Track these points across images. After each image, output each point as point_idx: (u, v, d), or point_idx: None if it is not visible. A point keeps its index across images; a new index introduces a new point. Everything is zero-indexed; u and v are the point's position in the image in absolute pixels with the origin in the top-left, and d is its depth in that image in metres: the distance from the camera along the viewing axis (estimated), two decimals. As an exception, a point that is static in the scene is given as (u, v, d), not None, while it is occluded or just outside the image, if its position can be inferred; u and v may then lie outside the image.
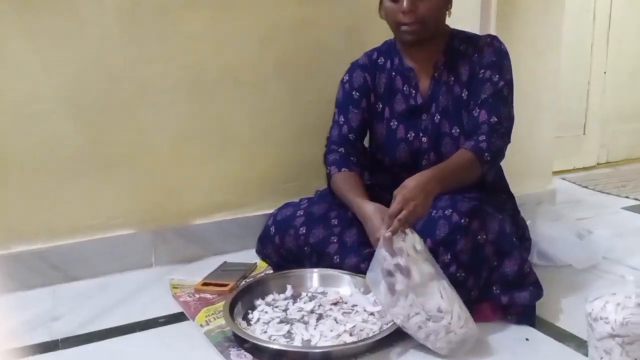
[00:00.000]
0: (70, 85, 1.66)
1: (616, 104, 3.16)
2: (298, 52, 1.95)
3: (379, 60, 1.63)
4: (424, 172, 1.37)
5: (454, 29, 1.60)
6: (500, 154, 1.49)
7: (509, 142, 1.52)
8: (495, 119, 1.47)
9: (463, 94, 1.53)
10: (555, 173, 2.59)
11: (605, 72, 3.10)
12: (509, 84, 1.53)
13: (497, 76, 1.50)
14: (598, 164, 3.16)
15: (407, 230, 1.27)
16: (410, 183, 1.32)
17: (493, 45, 1.54)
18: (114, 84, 1.71)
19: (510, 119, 1.53)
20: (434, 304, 1.23)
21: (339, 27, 2.00)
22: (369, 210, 1.43)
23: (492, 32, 2.05)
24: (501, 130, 1.48)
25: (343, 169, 1.57)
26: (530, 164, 2.18)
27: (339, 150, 1.62)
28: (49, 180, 1.67)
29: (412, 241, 1.27)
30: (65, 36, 1.63)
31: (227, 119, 1.89)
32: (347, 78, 1.65)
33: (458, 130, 1.53)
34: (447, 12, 1.53)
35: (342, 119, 1.63)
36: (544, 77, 2.21)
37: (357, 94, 1.62)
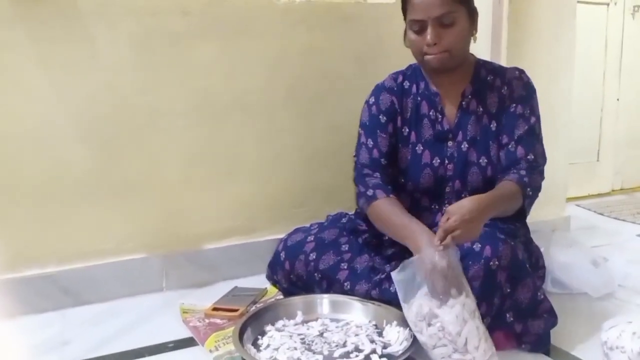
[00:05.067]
0: (82, 111, 1.69)
1: (629, 131, 3.14)
2: (307, 79, 1.97)
3: (404, 84, 1.60)
4: (479, 196, 1.34)
5: (479, 59, 1.59)
6: (539, 190, 1.50)
7: (544, 179, 1.52)
8: (532, 157, 1.47)
9: (492, 125, 1.52)
10: (570, 199, 2.57)
11: (618, 99, 3.09)
12: (539, 121, 1.54)
13: (529, 112, 1.51)
14: (612, 190, 3.14)
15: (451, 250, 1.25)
16: (469, 204, 1.28)
17: (522, 79, 1.54)
18: (126, 110, 1.74)
19: (544, 157, 1.53)
20: (463, 340, 1.22)
21: (348, 54, 2.02)
22: (425, 239, 1.32)
23: (503, 58, 2.07)
24: (539, 167, 1.49)
25: (391, 195, 1.50)
26: (544, 191, 2.13)
27: (375, 175, 1.54)
28: (60, 205, 1.69)
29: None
30: (79, 63, 1.67)
31: (237, 144, 1.90)
32: (372, 100, 1.59)
33: (486, 161, 1.51)
34: (472, 37, 1.51)
35: (371, 143, 1.56)
36: (557, 104, 2.21)
37: (384, 117, 1.57)
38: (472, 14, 1.48)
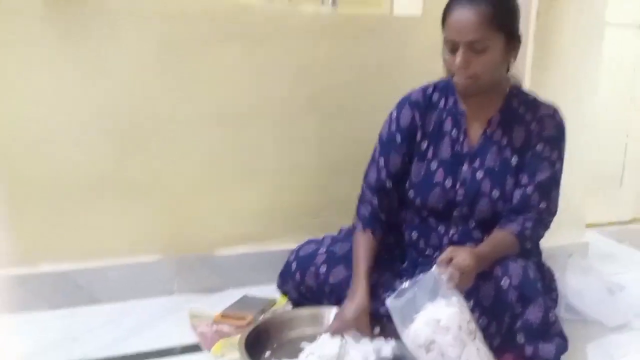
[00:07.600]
0: (102, 111, 1.70)
1: (656, 158, 3.08)
2: (329, 89, 1.96)
3: (433, 97, 1.56)
4: (478, 252, 1.34)
5: (515, 86, 1.54)
6: (538, 240, 1.53)
7: (548, 228, 1.52)
8: (545, 206, 1.47)
9: (513, 160, 1.49)
10: (590, 226, 2.52)
11: (645, 125, 3.03)
12: (562, 163, 1.51)
13: (556, 155, 1.48)
14: (635, 218, 3.07)
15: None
16: (470, 261, 1.28)
17: (555, 119, 1.50)
18: (146, 112, 1.75)
19: (557, 205, 1.51)
20: None
21: (371, 66, 2.00)
22: (356, 304, 1.42)
23: (527, 78, 2.05)
24: (547, 219, 1.49)
25: (367, 229, 1.55)
26: (563, 215, 2.11)
27: (372, 200, 1.57)
28: (76, 203, 1.71)
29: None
30: (102, 64, 1.68)
31: (255, 151, 1.91)
32: (395, 114, 1.58)
33: (498, 194, 1.48)
34: (509, 65, 1.47)
35: (382, 162, 1.57)
36: (579, 126, 2.17)
37: (400, 136, 1.55)
38: (512, 41, 1.42)
